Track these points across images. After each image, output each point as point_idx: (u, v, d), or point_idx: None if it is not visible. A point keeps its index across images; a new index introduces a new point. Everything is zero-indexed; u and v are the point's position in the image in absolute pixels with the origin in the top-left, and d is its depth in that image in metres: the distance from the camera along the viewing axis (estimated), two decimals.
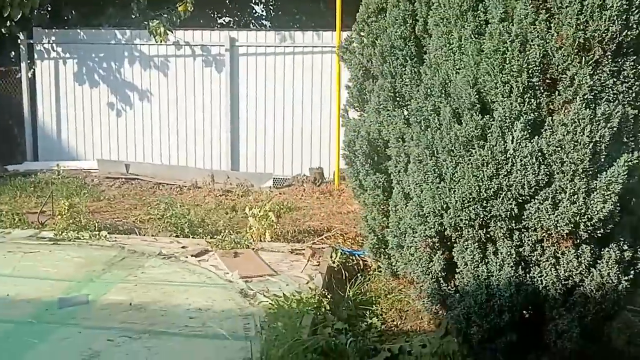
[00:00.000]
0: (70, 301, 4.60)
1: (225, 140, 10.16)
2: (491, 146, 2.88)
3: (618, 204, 2.83)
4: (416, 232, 3.31)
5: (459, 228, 3.10)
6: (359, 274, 5.42)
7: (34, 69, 10.62)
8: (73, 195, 8.19)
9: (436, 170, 3.10)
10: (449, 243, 3.28)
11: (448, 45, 3.15)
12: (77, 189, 8.71)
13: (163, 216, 6.55)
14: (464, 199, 2.97)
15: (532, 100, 2.86)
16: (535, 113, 2.88)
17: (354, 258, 5.69)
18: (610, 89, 2.78)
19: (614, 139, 2.80)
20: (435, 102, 3.14)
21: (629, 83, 2.78)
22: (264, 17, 15.47)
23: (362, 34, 4.20)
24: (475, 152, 2.93)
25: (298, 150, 10.04)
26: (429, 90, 3.15)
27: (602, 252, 2.99)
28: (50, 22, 10.45)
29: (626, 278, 3.02)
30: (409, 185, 3.32)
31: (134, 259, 5.57)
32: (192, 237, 6.25)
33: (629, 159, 2.76)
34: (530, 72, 2.85)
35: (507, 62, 2.84)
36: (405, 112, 3.57)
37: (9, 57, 11.25)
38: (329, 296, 4.64)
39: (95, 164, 9.70)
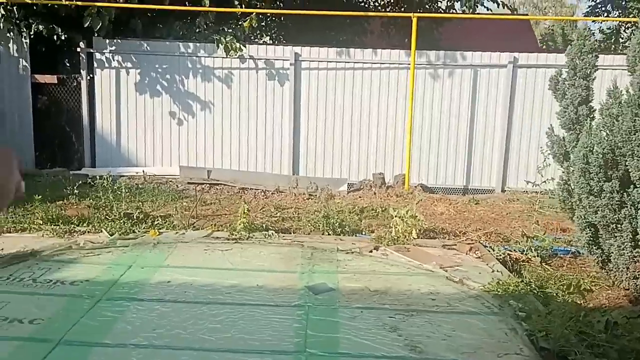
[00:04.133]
0: (318, 289, 5.29)
1: (287, 148, 10.92)
2: None
3: None
4: None
5: None
6: (513, 264, 6.48)
7: (93, 77, 10.89)
8: (177, 199, 8.76)
9: None
10: None
11: None
12: (172, 193, 9.23)
13: (311, 219, 7.35)
14: None
15: None
16: None
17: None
18: None
19: None
20: None
21: None
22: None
23: (575, 69, 5.31)
24: None
25: (355, 157, 10.92)
26: None
27: None
28: (112, 32, 10.76)
29: None
30: None
31: (321, 253, 6.18)
32: (344, 235, 7.08)
33: None
34: None
35: None
36: None
37: (65, 65, 11.40)
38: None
39: (174, 170, 10.17)
